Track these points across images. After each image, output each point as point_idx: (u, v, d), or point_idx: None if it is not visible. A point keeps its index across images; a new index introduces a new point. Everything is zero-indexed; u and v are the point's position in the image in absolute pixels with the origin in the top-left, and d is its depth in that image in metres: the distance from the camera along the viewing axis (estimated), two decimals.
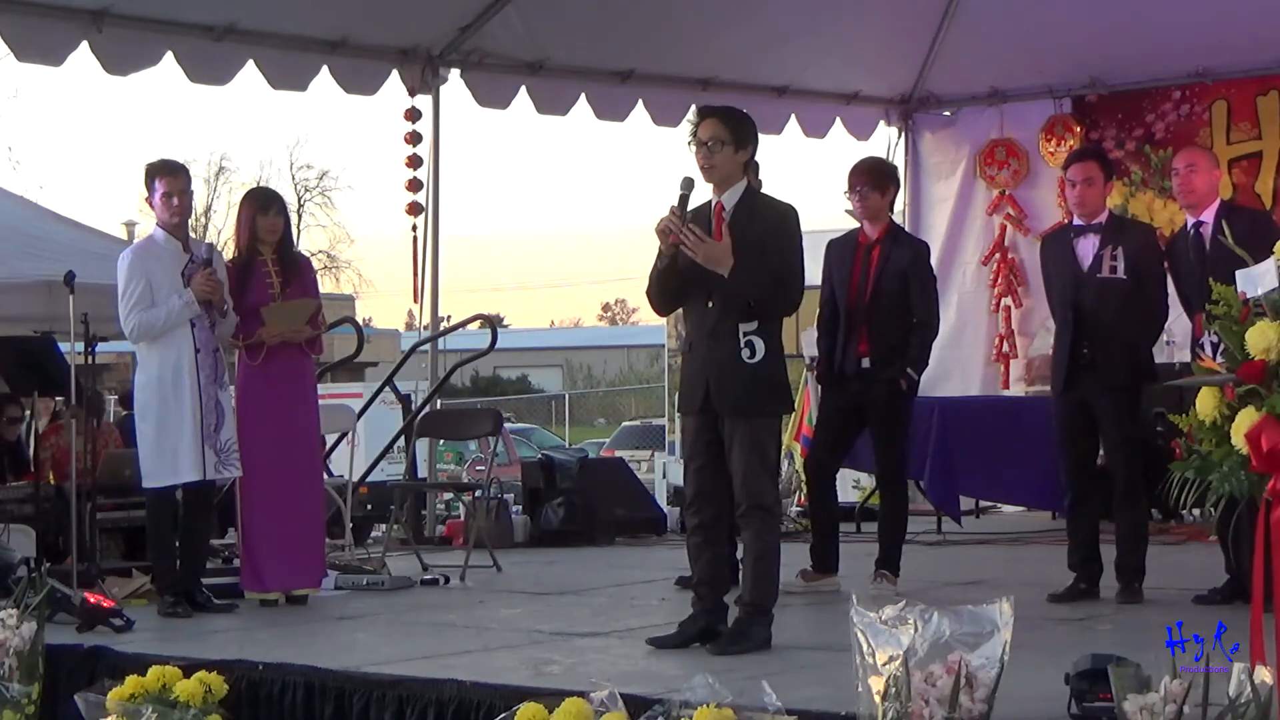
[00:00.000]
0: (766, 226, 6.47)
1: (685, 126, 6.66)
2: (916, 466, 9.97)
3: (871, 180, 8.22)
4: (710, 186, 6.54)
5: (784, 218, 6.53)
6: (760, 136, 6.70)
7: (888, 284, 8.10)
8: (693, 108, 7.23)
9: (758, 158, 6.90)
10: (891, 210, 8.45)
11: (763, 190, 7.09)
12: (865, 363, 8.10)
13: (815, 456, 8.53)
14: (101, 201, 79.74)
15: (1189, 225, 7.64)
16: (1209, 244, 7.33)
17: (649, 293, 6.65)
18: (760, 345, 6.39)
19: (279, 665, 6.12)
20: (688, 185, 6.47)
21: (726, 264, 6.31)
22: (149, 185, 8.01)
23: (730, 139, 6.47)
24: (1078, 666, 4.71)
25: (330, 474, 10.97)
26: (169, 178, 8.00)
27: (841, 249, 8.31)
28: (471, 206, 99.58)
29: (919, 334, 8.19)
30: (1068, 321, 7.77)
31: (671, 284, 6.51)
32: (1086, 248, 7.70)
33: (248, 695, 5.96)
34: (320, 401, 8.68)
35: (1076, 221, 7.84)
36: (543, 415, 41.90)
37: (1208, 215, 7.50)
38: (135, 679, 5.75)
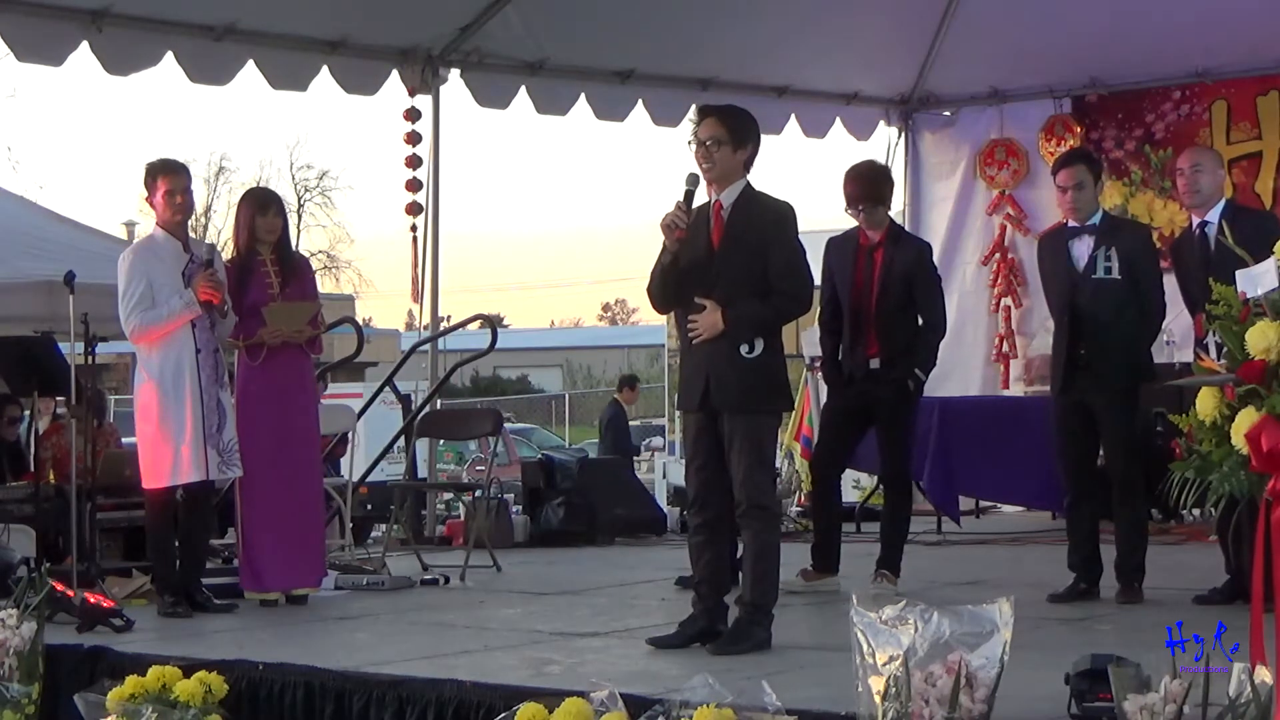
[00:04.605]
0: (765, 225, 6.47)
1: (686, 126, 6.69)
2: (916, 466, 9.97)
3: (872, 194, 8.16)
4: (711, 185, 6.55)
5: (782, 216, 6.54)
6: (760, 136, 6.70)
7: (893, 286, 8.08)
8: (693, 107, 7.23)
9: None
10: (889, 208, 8.44)
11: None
12: (874, 364, 8.10)
13: (819, 457, 8.53)
14: (101, 201, 79.94)
15: (1194, 225, 7.64)
16: (1214, 244, 7.33)
17: (650, 290, 6.66)
18: (759, 342, 6.41)
19: (279, 665, 6.12)
20: (693, 181, 6.48)
21: (715, 330, 6.37)
22: (150, 184, 8.01)
23: (729, 138, 6.47)
24: (1078, 666, 4.71)
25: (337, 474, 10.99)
26: (171, 176, 8.00)
27: (842, 249, 8.29)
28: (471, 206, 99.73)
29: (926, 335, 8.18)
30: (1064, 323, 7.77)
31: (673, 281, 6.51)
32: (1081, 249, 7.71)
33: (248, 695, 5.96)
34: (322, 401, 8.68)
35: (1071, 223, 7.83)
36: (543, 415, 41.93)
37: (1212, 215, 7.50)
38: (135, 679, 5.75)
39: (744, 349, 6.39)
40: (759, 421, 6.48)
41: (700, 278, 6.43)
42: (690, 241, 6.43)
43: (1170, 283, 7.80)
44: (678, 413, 9.09)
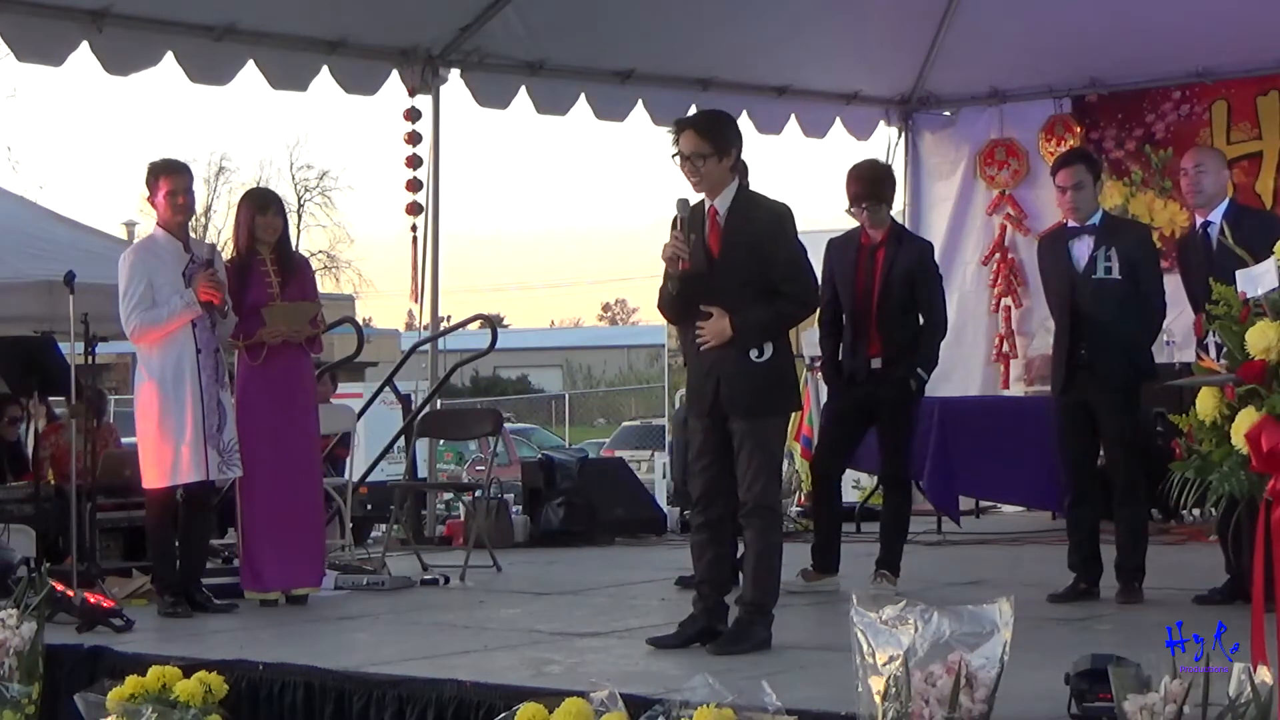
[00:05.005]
0: (762, 227, 6.47)
1: (669, 137, 6.62)
2: (916, 466, 9.97)
3: (875, 193, 8.17)
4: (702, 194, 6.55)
5: (778, 216, 6.53)
6: (760, 136, 6.71)
7: (895, 286, 8.08)
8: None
9: (755, 157, 6.88)
10: (892, 208, 8.44)
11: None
12: (875, 364, 8.10)
13: (820, 457, 8.54)
14: (101, 201, 79.90)
15: (1197, 225, 7.65)
16: (1216, 244, 7.33)
17: (661, 308, 6.69)
18: (768, 346, 6.40)
19: (279, 665, 6.12)
20: (684, 208, 6.47)
21: (723, 337, 6.37)
22: (152, 184, 8.01)
23: (712, 150, 6.44)
24: (1078, 666, 4.71)
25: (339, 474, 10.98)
26: (174, 177, 8.01)
27: (843, 250, 8.29)
28: (471, 206, 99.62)
29: (928, 335, 8.19)
30: (1064, 323, 7.77)
31: (681, 296, 6.51)
32: (1081, 249, 7.71)
33: (248, 695, 5.96)
34: (333, 401, 8.66)
35: (1071, 224, 7.83)
36: (543, 415, 41.92)
37: (1216, 215, 7.50)
38: (135, 679, 5.74)
39: (754, 354, 6.39)
40: (768, 424, 6.48)
41: (703, 285, 6.42)
42: (691, 249, 6.43)
43: (1171, 282, 7.81)
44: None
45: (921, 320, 8.20)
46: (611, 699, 4.74)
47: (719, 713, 4.50)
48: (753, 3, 11.80)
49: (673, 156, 6.51)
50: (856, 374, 8.15)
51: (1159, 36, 12.00)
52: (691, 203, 6.52)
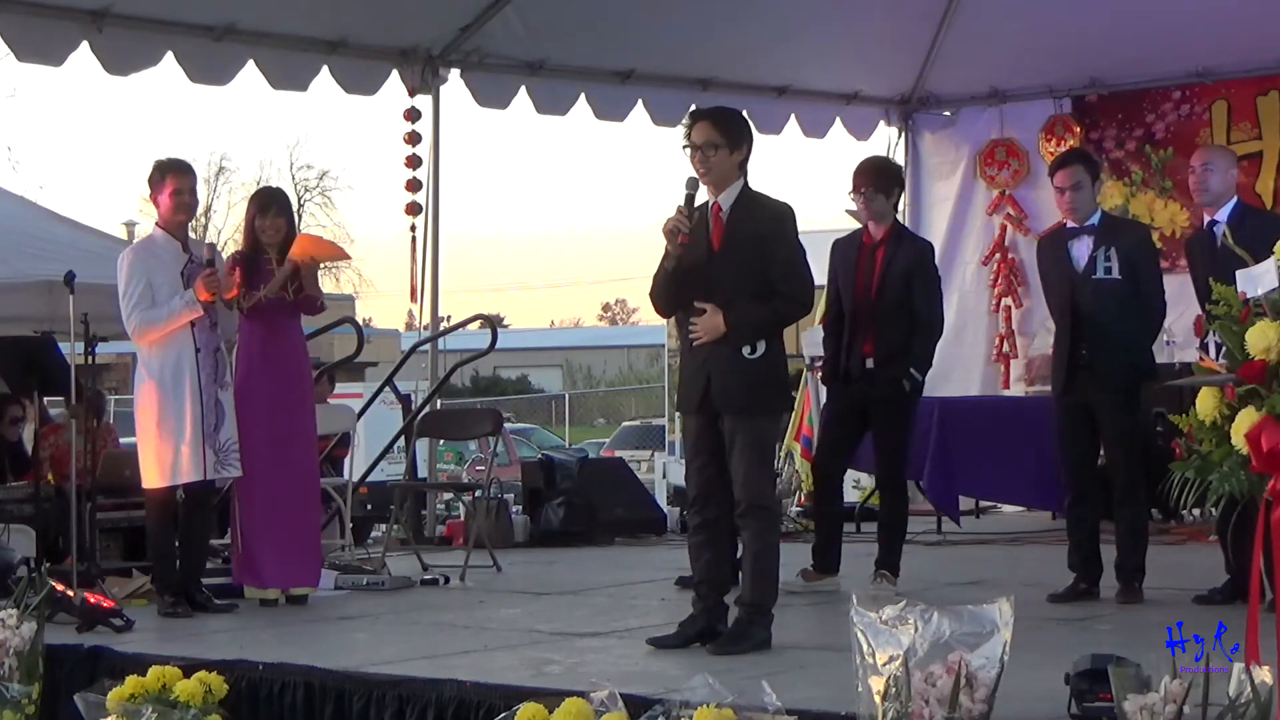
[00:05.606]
0: (763, 226, 6.48)
1: (682, 129, 6.65)
2: (916, 466, 9.96)
3: (876, 182, 8.20)
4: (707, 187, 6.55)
5: (780, 216, 6.54)
6: (760, 136, 6.71)
7: (892, 284, 8.08)
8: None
9: (755, 157, 6.87)
10: (896, 210, 8.43)
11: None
12: (870, 363, 8.10)
13: (820, 457, 8.54)
14: (101, 201, 79.90)
15: (1205, 224, 7.65)
16: (1221, 244, 7.33)
17: (653, 295, 6.66)
18: (761, 343, 6.40)
19: (279, 665, 6.13)
20: (693, 185, 6.48)
21: (716, 333, 6.37)
22: (157, 182, 8.00)
23: (724, 141, 6.46)
24: (1078, 666, 4.72)
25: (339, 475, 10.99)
26: (180, 175, 8.02)
27: (846, 249, 8.31)
28: (471, 206, 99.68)
29: (922, 334, 8.18)
30: (1065, 324, 7.77)
31: (675, 285, 6.51)
32: (1081, 249, 7.71)
33: (248, 695, 5.96)
34: (333, 401, 8.65)
35: (1070, 224, 7.84)
36: (543, 415, 41.94)
37: (1223, 214, 7.51)
38: (135, 679, 5.74)
39: (746, 351, 6.40)
40: (760, 422, 6.48)
41: (701, 280, 6.43)
42: (690, 245, 6.44)
43: (1172, 282, 7.82)
44: (678, 412, 9.09)
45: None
46: (611, 699, 4.74)
47: (719, 713, 4.50)
48: (753, 3, 11.80)
49: (683, 148, 6.52)
50: (851, 371, 8.15)
51: (1159, 36, 12.00)
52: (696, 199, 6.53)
